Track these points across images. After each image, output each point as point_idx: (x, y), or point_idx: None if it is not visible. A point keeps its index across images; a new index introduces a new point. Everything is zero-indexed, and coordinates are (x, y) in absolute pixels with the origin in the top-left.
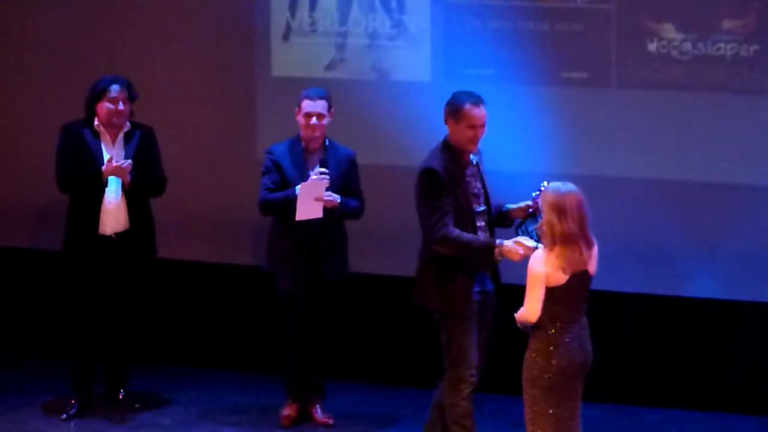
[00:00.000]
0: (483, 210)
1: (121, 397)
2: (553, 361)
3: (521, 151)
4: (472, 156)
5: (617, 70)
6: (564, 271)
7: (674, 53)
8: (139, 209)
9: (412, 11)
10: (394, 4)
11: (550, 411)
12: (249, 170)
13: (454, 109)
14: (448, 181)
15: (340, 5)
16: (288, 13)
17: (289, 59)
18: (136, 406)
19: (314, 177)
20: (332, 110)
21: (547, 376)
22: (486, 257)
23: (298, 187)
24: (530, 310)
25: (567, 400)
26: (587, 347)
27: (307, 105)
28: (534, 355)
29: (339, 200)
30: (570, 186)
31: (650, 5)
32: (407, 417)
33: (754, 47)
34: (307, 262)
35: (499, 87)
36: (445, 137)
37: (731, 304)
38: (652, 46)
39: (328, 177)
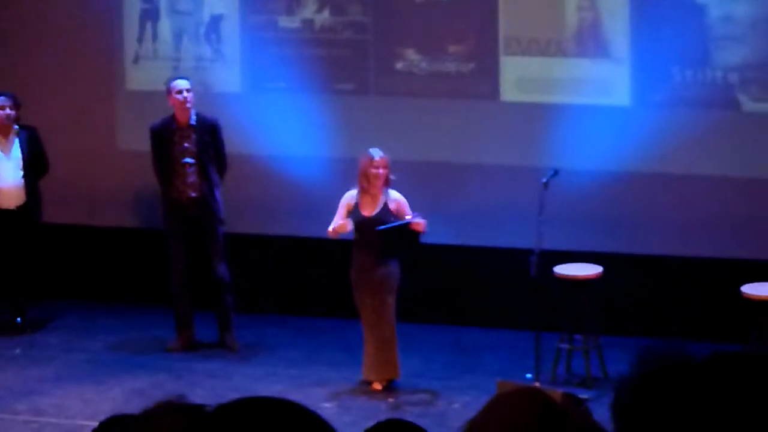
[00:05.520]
0: (193, 162)
1: (18, 323)
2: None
3: (306, 139)
4: (193, 122)
5: (375, 82)
6: None
7: (415, 70)
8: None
9: (226, 41)
10: (213, 36)
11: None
12: (110, 162)
13: (167, 88)
14: (157, 135)
15: (174, 37)
16: (137, 44)
17: (138, 77)
18: (27, 330)
19: None
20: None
21: (399, 283)
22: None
23: None
24: None
25: None
26: None
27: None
28: (397, 266)
29: None
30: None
31: (397, 35)
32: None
33: (471, 64)
34: None
35: (290, 96)
36: None
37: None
38: (399, 65)
39: None
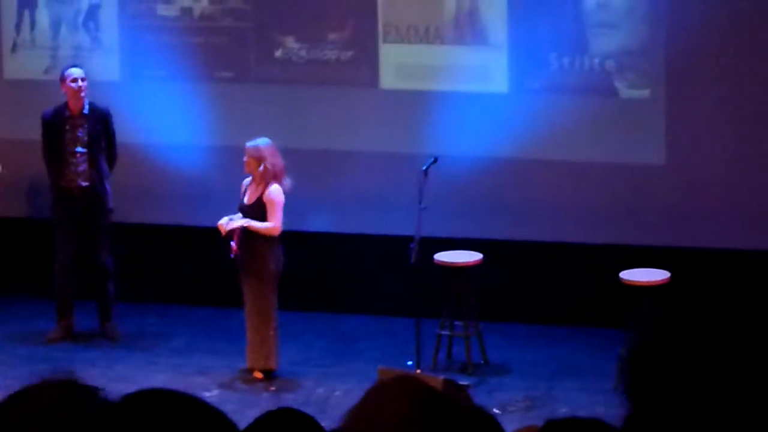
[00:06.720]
0: (84, 151)
1: None
2: (279, 264)
3: (186, 127)
4: (86, 111)
5: (255, 70)
6: None
7: (294, 58)
8: None
9: (105, 30)
10: (91, 25)
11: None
12: None
13: (61, 76)
14: (49, 124)
15: (53, 26)
16: (14, 32)
17: (16, 66)
18: None
19: None
20: None
21: (277, 273)
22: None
23: None
24: (279, 226)
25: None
26: None
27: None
28: (271, 257)
29: None
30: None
31: (277, 23)
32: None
33: (350, 52)
34: None
35: (170, 84)
36: None
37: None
38: (278, 53)
39: None
